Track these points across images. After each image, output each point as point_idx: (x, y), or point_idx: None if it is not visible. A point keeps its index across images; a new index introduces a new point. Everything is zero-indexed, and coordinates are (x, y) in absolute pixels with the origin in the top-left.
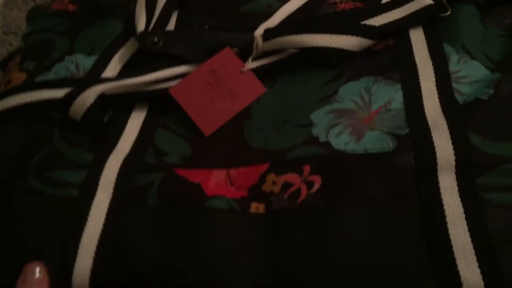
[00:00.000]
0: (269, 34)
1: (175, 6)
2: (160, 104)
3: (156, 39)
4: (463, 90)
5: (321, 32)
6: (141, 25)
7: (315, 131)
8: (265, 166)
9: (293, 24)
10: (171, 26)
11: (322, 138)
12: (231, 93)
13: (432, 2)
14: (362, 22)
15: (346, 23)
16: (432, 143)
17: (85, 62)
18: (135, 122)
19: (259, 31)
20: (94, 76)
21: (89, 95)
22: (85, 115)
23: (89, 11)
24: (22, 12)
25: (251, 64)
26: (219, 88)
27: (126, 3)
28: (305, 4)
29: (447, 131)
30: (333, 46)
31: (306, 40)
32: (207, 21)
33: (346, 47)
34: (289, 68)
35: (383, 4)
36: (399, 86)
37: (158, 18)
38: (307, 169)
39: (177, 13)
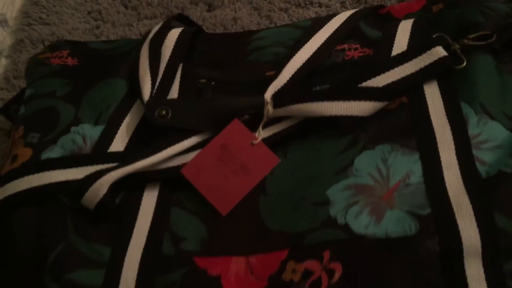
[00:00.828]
0: (279, 101)
1: (180, 58)
2: (172, 179)
3: (164, 112)
4: (485, 158)
5: (332, 99)
6: (146, 90)
7: (332, 211)
8: (285, 252)
9: (303, 87)
10: (176, 82)
11: (341, 220)
12: (244, 167)
13: (446, 54)
14: (374, 80)
15: (356, 84)
16: (456, 226)
17: (92, 132)
18: (148, 202)
19: (268, 94)
20: (102, 153)
21: (102, 185)
22: (98, 205)
23: (90, 66)
24: (32, 54)
25: (262, 134)
26: (231, 164)
27: (129, 53)
28: (313, 55)
29: (471, 212)
30: (345, 114)
31: (317, 109)
32: (213, 74)
33: (359, 114)
34: (301, 134)
35: (394, 57)
36: (417, 156)
37: (163, 76)
38: (326, 255)
39: (182, 66)
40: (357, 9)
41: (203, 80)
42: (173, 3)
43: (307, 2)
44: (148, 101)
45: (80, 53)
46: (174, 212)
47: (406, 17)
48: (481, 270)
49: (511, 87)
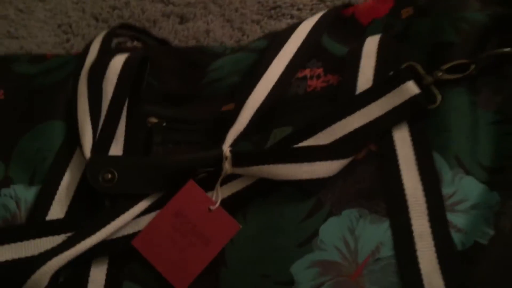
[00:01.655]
0: (238, 160)
1: (125, 94)
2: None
3: (109, 176)
4: (460, 224)
5: (296, 161)
6: (87, 143)
7: None
8: None
9: (264, 146)
10: (122, 124)
11: None
12: (202, 237)
13: (418, 91)
14: (339, 124)
15: (319, 131)
16: None
17: (27, 195)
18: (97, 279)
19: (226, 145)
20: (39, 221)
21: (42, 277)
22: None
23: (20, 102)
24: None
25: (220, 195)
26: (187, 234)
27: (64, 82)
28: (274, 88)
29: None
30: (310, 177)
31: (280, 172)
32: (164, 112)
33: (325, 175)
34: (261, 192)
35: (360, 95)
36: (387, 224)
37: (106, 119)
38: None
39: (128, 103)
40: (320, 17)
41: (153, 120)
42: (145, 16)
43: (279, 14)
44: (90, 159)
45: (5, 80)
46: (126, 286)
47: (372, 23)
48: None
49: (483, 125)
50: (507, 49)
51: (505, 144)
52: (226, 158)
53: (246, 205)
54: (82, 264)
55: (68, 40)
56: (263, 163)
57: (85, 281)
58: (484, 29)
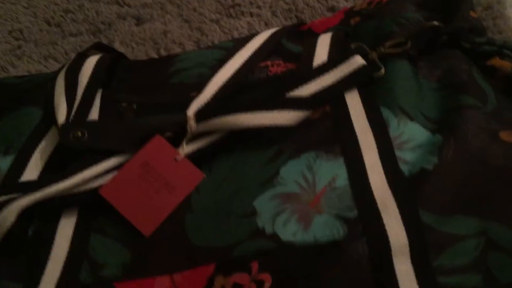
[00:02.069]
0: (201, 115)
1: (98, 85)
2: (92, 204)
3: (79, 133)
4: (407, 157)
5: (256, 110)
6: (61, 114)
7: (260, 222)
8: (211, 267)
9: (226, 101)
10: (95, 108)
11: (269, 230)
12: (167, 185)
13: (364, 62)
14: (296, 91)
15: (279, 96)
16: (383, 225)
17: (1, 163)
18: (65, 231)
19: (191, 111)
20: (11, 183)
21: (9, 214)
22: (6, 236)
23: (3, 99)
24: None
25: (186, 149)
26: (153, 182)
27: (44, 84)
28: (236, 72)
29: (397, 211)
30: (269, 124)
31: (241, 120)
32: (135, 98)
33: (283, 123)
34: (226, 148)
35: (316, 68)
36: (341, 160)
37: (81, 101)
38: (255, 266)
39: (101, 92)
40: (279, 28)
41: (125, 104)
42: (99, 18)
43: (238, 12)
44: (63, 124)
45: None
46: (93, 238)
47: (326, 31)
48: (410, 268)
49: (426, 90)
50: (435, 23)
51: (443, 102)
52: (190, 118)
53: (211, 160)
54: (51, 218)
55: (20, 47)
56: (225, 114)
57: (53, 233)
58: (420, 23)
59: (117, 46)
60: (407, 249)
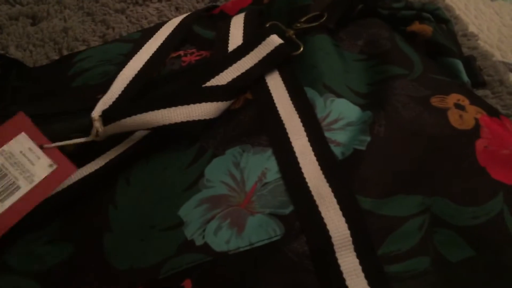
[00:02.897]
0: (109, 116)
1: None
2: None
3: None
4: (338, 138)
5: (170, 105)
6: None
7: (188, 232)
8: None
9: (136, 99)
10: None
11: (199, 241)
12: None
13: (281, 41)
14: (213, 80)
15: (195, 88)
16: (321, 219)
17: None
18: None
19: (96, 112)
20: None
21: None
22: None
23: None
24: None
25: (97, 162)
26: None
27: None
28: (145, 66)
29: (334, 201)
30: (187, 119)
31: (155, 118)
32: (31, 109)
33: (201, 118)
34: (143, 154)
35: (231, 52)
36: (270, 151)
37: None
38: (188, 285)
39: None
40: (188, 14)
41: None
42: None
43: None
44: None
45: None
46: None
47: (239, 12)
48: (356, 261)
49: (350, 62)
50: None
51: (370, 74)
52: (95, 120)
53: (129, 170)
54: None
55: None
56: (136, 113)
57: None
58: None
59: (12, 51)
60: (349, 241)
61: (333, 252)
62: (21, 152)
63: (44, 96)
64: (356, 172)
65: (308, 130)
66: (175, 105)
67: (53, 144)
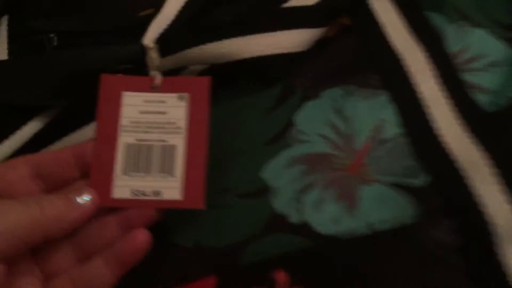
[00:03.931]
0: (167, 46)
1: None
2: None
3: None
4: (482, 82)
5: (246, 33)
6: None
7: (277, 203)
8: (211, 282)
9: (199, 22)
10: (2, 38)
11: (294, 216)
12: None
13: None
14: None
15: (273, 8)
16: (475, 197)
17: None
18: None
19: (149, 38)
20: None
21: None
22: None
23: None
24: None
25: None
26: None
27: None
28: None
29: (490, 171)
30: (270, 53)
31: (229, 50)
32: (56, 25)
33: (288, 50)
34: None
35: None
36: (384, 96)
37: None
38: (281, 277)
39: (8, 19)
40: None
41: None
42: None
43: None
44: None
45: None
46: None
47: None
48: None
49: None
50: None
51: None
52: (150, 48)
53: None
54: None
55: None
56: (204, 42)
57: None
58: None
59: None
60: None
61: (492, 243)
62: (141, 112)
63: (72, 7)
64: None
65: (437, 69)
66: (253, 32)
67: (159, 78)
